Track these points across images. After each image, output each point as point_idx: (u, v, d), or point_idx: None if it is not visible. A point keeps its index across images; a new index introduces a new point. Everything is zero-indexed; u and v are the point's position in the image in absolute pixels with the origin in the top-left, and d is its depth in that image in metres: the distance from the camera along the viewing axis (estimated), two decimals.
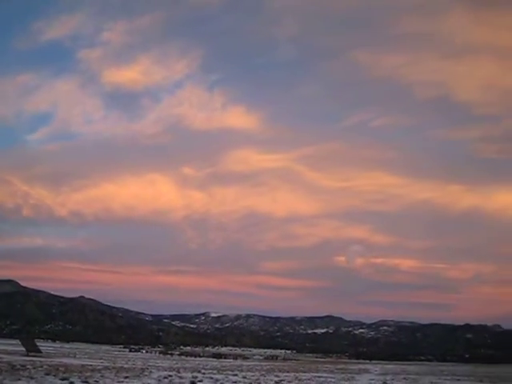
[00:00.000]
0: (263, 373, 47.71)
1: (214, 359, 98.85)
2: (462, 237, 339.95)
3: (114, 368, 41.10)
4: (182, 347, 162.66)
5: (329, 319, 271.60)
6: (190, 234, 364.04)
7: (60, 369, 34.41)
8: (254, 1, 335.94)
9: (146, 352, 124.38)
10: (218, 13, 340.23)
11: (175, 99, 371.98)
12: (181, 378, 33.50)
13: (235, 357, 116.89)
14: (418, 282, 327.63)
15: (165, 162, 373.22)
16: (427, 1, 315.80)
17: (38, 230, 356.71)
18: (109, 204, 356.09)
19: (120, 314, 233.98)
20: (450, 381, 46.96)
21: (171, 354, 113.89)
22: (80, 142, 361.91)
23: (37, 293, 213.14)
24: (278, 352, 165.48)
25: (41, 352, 62.23)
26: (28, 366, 34.32)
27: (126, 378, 31.01)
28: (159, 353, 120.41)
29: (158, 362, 66.57)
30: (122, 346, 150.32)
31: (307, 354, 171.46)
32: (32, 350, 61.60)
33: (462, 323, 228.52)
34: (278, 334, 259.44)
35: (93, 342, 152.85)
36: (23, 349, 61.88)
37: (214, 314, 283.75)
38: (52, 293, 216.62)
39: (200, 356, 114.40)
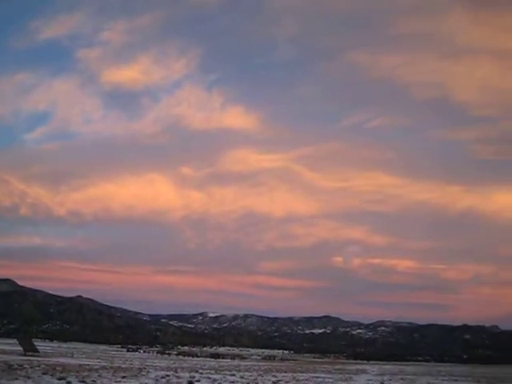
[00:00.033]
0: (261, 373, 47.66)
1: (212, 359, 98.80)
2: (461, 237, 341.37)
3: (111, 368, 41.03)
4: (179, 347, 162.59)
5: (327, 319, 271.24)
6: (188, 234, 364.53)
7: (57, 368, 34.34)
8: (254, 1, 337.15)
9: (144, 352, 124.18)
10: (218, 12, 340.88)
11: (174, 99, 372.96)
12: (178, 377, 33.45)
13: (233, 357, 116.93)
14: (416, 283, 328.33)
15: (163, 161, 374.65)
16: (426, 1, 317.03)
17: (35, 229, 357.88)
18: (107, 203, 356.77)
19: (118, 314, 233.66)
20: (447, 381, 46.95)
21: (169, 354, 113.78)
22: (79, 142, 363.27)
23: (34, 292, 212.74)
24: (275, 352, 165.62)
25: (38, 351, 62.17)
26: (25, 366, 34.30)
27: (124, 377, 30.96)
28: (157, 353, 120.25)
29: (156, 361, 66.49)
30: (119, 345, 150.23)
31: (305, 355, 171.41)
32: (29, 349, 61.51)
33: (459, 324, 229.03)
34: (276, 334, 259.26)
35: (90, 342, 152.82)
36: (20, 348, 61.87)
37: (211, 314, 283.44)
38: (50, 292, 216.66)
39: (198, 356, 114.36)
